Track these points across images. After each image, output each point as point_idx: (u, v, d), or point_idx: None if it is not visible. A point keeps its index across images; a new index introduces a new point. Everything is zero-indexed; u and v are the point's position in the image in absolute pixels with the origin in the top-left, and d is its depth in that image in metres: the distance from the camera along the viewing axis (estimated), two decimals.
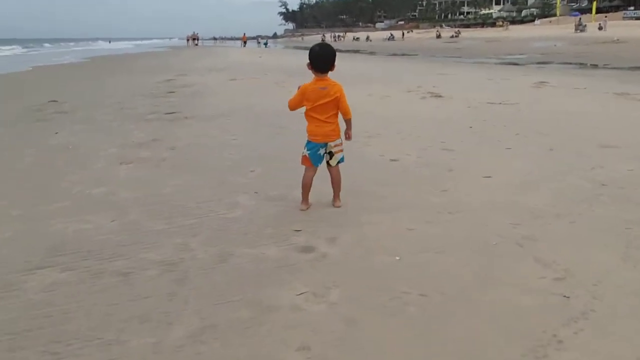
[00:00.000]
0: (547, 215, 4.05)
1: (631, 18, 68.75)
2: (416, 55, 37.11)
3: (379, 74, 17.60)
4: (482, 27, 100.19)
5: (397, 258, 3.38)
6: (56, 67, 26.18)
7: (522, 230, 3.76)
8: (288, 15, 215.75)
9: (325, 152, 4.28)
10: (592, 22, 61.17)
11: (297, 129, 7.82)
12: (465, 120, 8.18)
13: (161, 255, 3.55)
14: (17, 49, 55.00)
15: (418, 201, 4.47)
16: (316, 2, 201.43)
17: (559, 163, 5.56)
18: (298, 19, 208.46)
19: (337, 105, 4.17)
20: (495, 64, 25.52)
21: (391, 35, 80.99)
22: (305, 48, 55.71)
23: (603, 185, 4.74)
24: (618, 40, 39.74)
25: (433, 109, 9.55)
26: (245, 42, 66.58)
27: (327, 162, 4.33)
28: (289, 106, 4.26)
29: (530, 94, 11.52)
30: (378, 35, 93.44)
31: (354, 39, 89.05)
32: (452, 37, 69.22)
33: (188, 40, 73.32)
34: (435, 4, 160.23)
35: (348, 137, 4.42)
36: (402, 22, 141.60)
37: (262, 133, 7.71)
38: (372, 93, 11.83)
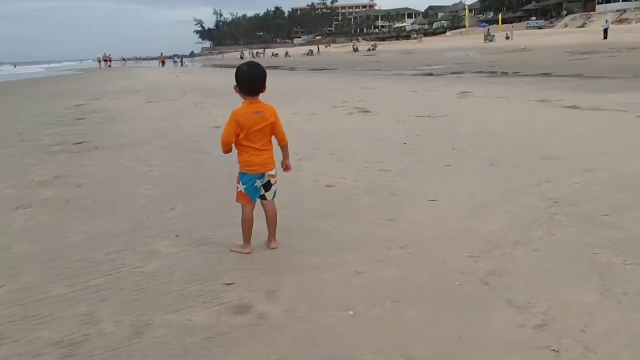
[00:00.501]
0: (506, 243, 3.66)
1: (534, 28, 73.19)
2: (337, 69, 37.22)
3: (302, 91, 17.22)
4: (397, 39, 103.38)
5: (351, 313, 2.85)
6: None
7: (484, 264, 3.34)
8: (205, 34, 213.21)
9: (262, 184, 3.71)
10: (499, 32, 64.46)
11: (219, 155, 7.16)
12: (398, 136, 7.85)
13: (60, 333, 2.83)
14: None
15: (364, 235, 3.97)
16: (233, 20, 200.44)
17: (504, 180, 5.26)
18: (215, 37, 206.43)
19: (272, 130, 3.65)
20: (415, 75, 25.88)
21: (310, 50, 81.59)
22: (225, 66, 54.90)
23: (555, 202, 4.45)
24: (525, 48, 41.90)
25: (363, 125, 9.19)
26: (163, 62, 64.83)
27: (262, 196, 3.76)
28: (223, 143, 3.58)
29: (457, 105, 11.47)
30: (297, 50, 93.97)
31: (273, 55, 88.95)
32: (369, 50, 70.80)
33: (100, 62, 70.32)
34: (351, 18, 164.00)
35: (286, 168, 3.87)
36: (319, 37, 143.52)
37: (182, 162, 7.00)
38: (298, 111, 11.36)
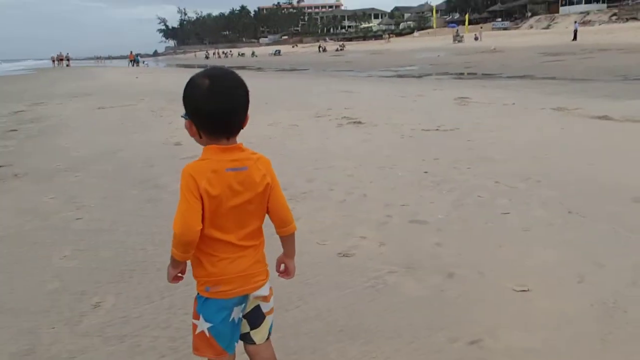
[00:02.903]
0: None
1: (499, 29, 72.86)
2: (307, 70, 35.38)
3: (276, 95, 15.29)
4: (364, 39, 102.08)
5: None
6: None
7: None
8: (168, 32, 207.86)
9: (243, 315, 1.87)
10: (466, 32, 63.71)
11: (176, 190, 5.31)
12: (411, 160, 6.09)
13: None
14: None
15: None
16: (197, 18, 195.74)
17: (612, 242, 3.55)
18: (179, 36, 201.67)
19: (263, 205, 1.82)
20: (390, 76, 24.28)
21: (277, 50, 79.62)
22: (189, 66, 52.16)
23: None
24: (495, 49, 40.96)
25: (360, 142, 7.39)
26: (133, 61, 60.21)
27: (246, 336, 1.92)
28: (180, 237, 1.72)
29: (461, 114, 9.78)
30: (263, 50, 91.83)
31: (239, 54, 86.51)
32: (337, 50, 69.25)
33: (54, 61, 66.51)
34: (317, 18, 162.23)
35: (286, 272, 2.02)
36: (286, 37, 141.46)
37: (126, 202, 5.07)
38: (275, 121, 9.49)
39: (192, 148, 7.75)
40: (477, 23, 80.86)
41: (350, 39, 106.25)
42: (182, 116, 1.77)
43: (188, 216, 1.68)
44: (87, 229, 4.32)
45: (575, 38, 42.87)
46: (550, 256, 3.39)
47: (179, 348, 2.50)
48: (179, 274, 1.87)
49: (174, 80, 26.19)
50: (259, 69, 41.26)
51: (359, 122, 9.06)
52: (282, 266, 2.00)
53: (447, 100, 11.83)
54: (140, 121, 10.89)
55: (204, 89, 1.68)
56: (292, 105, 12.14)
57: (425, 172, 5.51)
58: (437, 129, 8.06)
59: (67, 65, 62.36)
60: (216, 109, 1.69)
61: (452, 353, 2.42)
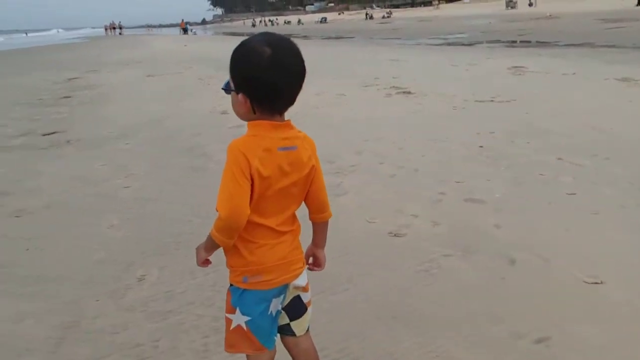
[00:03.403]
0: None
1: None
2: (353, 37, 34.68)
3: (322, 63, 14.98)
4: (412, 6, 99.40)
5: None
6: None
7: None
8: (216, 0, 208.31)
9: (282, 307, 1.73)
10: None
11: (222, 160, 5.22)
12: (465, 133, 5.80)
13: None
14: None
15: None
16: None
17: None
18: (227, 4, 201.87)
19: (307, 187, 1.66)
20: (441, 44, 23.48)
21: (323, 18, 78.54)
22: (237, 34, 52.04)
23: None
24: (550, 15, 38.96)
25: (410, 113, 7.11)
26: (185, 29, 59.81)
27: (285, 327, 1.78)
28: (226, 221, 1.53)
29: (517, 84, 9.31)
30: (309, 18, 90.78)
31: (285, 22, 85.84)
32: (384, 17, 67.70)
33: (107, 29, 67.80)
34: None
35: (317, 263, 1.83)
36: (332, 4, 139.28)
37: (173, 170, 5.03)
38: (322, 91, 9.27)
39: (239, 118, 7.68)
40: None
41: (397, 6, 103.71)
42: (224, 88, 1.59)
43: (237, 198, 1.50)
44: (134, 198, 4.30)
45: (639, 3, 40.29)
46: (624, 243, 3.12)
47: (221, 329, 2.37)
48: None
49: (222, 48, 26.15)
50: (304, 36, 40.80)
51: (408, 92, 8.75)
52: (311, 258, 1.83)
53: (501, 70, 11.29)
54: (187, 89, 10.87)
55: (265, 58, 1.48)
56: (339, 74, 11.87)
57: (481, 147, 5.23)
58: (491, 100, 7.68)
59: (120, 34, 63.38)
60: (279, 80, 1.51)
61: (516, 351, 2.23)
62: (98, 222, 3.75)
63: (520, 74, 10.51)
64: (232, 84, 1.56)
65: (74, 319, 2.53)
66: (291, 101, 1.58)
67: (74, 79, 14.06)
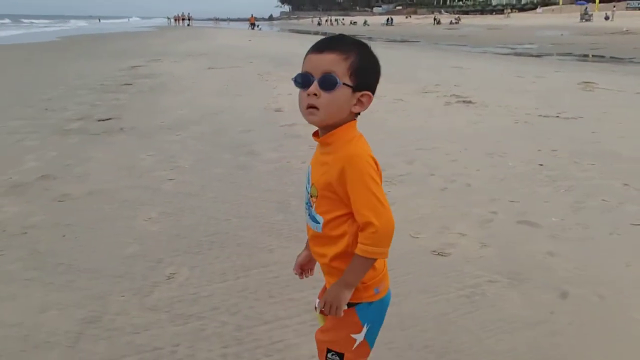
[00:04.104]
0: None
1: (635, 8, 65.74)
2: (418, 42, 34.16)
3: (383, 67, 14.78)
4: (482, 13, 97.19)
5: None
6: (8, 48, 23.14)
7: None
8: None
9: None
10: (595, 11, 58.39)
11: (271, 160, 5.16)
12: (526, 149, 5.48)
13: None
14: None
15: None
16: None
17: None
18: (294, 1, 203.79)
19: None
20: (508, 54, 22.73)
21: (390, 19, 77.85)
22: (303, 32, 52.12)
23: None
24: (627, 30, 37.03)
25: (468, 124, 6.82)
26: (253, 24, 59.63)
27: None
28: (384, 224, 1.41)
29: (586, 100, 8.80)
30: (376, 19, 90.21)
31: (351, 22, 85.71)
32: (451, 23, 66.47)
33: (176, 20, 69.74)
34: None
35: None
36: (399, 7, 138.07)
37: (218, 167, 4.98)
38: (379, 94, 8.95)
39: (293, 116, 7.66)
40: (609, 1, 73.87)
41: (467, 12, 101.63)
42: (328, 82, 1.40)
43: (387, 204, 1.42)
44: (176, 192, 4.26)
45: None
46: None
47: (244, 340, 2.28)
48: None
49: (284, 45, 26.32)
50: (369, 38, 40.54)
51: (469, 102, 8.42)
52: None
53: (570, 84, 10.75)
54: (245, 84, 10.90)
55: (374, 56, 1.50)
56: (399, 78, 11.61)
57: (541, 165, 4.92)
58: (557, 116, 7.27)
59: (188, 25, 64.97)
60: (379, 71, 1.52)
61: None
62: (136, 214, 3.73)
63: (590, 90, 9.96)
64: (350, 82, 1.42)
65: (96, 314, 2.47)
66: None
67: (137, 66, 14.42)
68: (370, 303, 1.52)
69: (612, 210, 3.86)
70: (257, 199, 4.04)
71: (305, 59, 1.46)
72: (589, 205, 3.94)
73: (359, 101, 1.44)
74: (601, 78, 11.98)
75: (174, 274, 2.87)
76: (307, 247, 1.66)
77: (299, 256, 1.70)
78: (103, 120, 7.14)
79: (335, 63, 1.40)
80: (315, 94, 1.40)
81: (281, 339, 2.30)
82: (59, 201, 4.03)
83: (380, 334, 2.31)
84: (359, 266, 1.44)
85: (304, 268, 1.70)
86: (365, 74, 1.44)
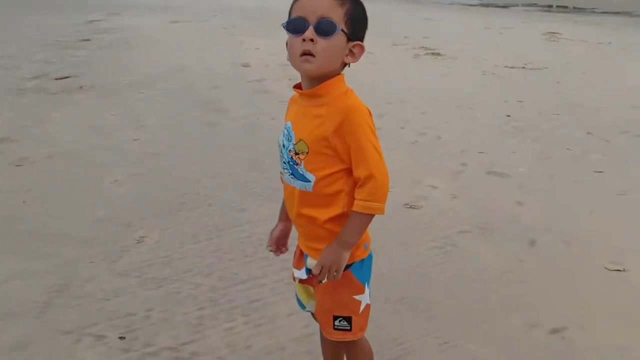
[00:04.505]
0: None
1: None
2: None
3: None
4: None
5: None
6: None
7: None
8: None
9: None
10: None
11: (240, 117, 5.07)
12: (493, 101, 5.52)
13: None
14: None
15: None
16: None
17: None
18: None
19: None
20: (476, 5, 22.54)
21: None
22: None
23: None
24: None
25: (438, 77, 6.80)
26: None
27: None
28: (385, 178, 1.37)
29: (551, 51, 8.85)
30: None
31: None
32: None
33: None
34: None
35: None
36: None
37: (186, 125, 4.87)
38: None
39: (261, 71, 7.50)
40: None
41: None
42: (327, 29, 1.32)
43: (383, 157, 1.38)
44: (143, 152, 4.16)
45: None
46: None
47: (219, 301, 2.28)
48: None
49: None
50: None
51: (438, 54, 8.38)
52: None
53: (535, 35, 10.77)
54: (211, 39, 10.58)
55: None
56: (368, 32, 11.44)
57: (508, 116, 4.96)
58: (523, 67, 7.31)
59: None
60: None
61: (529, 341, 2.08)
62: (101, 176, 3.63)
63: (554, 41, 10.01)
64: (346, 29, 1.34)
65: (64, 282, 2.42)
66: None
67: (95, 21, 13.80)
68: (363, 260, 1.48)
69: (576, 159, 3.94)
70: (228, 158, 3.98)
71: (295, 4, 1.36)
72: (555, 155, 4.01)
73: (351, 52, 1.38)
74: (565, 28, 12.04)
75: (144, 237, 2.82)
76: (283, 218, 1.58)
77: (273, 230, 1.60)
78: (61, 78, 6.84)
79: (332, 9, 1.32)
80: (312, 40, 1.31)
81: (258, 297, 2.30)
82: (17, 165, 3.88)
83: None
84: (359, 224, 1.38)
85: (279, 243, 1.60)
86: (359, 23, 1.38)
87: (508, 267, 2.57)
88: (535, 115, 5.01)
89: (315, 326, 1.64)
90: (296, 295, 1.63)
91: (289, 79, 6.36)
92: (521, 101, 5.47)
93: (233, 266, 2.54)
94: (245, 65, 7.58)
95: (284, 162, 1.44)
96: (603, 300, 2.32)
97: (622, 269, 2.53)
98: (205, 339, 2.06)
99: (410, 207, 3.17)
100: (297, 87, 1.43)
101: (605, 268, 2.54)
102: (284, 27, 1.36)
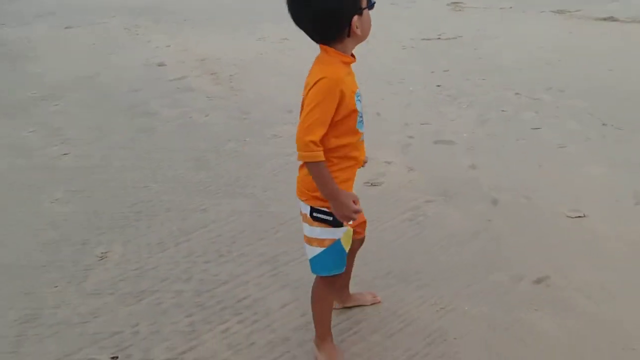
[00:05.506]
0: None
1: None
2: None
3: (259, 8, 14.32)
4: None
5: None
6: None
7: None
8: None
9: None
10: None
11: (172, 117, 4.86)
12: (420, 73, 5.64)
13: None
14: None
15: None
16: None
17: None
18: None
19: None
20: None
21: None
22: None
23: None
24: None
25: (360, 56, 6.75)
26: None
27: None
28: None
29: (460, 21, 9.18)
30: None
31: None
32: None
33: None
34: None
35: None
36: None
37: (115, 132, 4.61)
38: (263, 36, 8.80)
39: (179, 69, 7.24)
40: None
41: None
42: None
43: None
44: (76, 166, 3.89)
45: None
46: (596, 174, 3.11)
47: (206, 304, 2.19)
48: None
49: None
50: None
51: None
52: None
53: (440, 7, 11.12)
54: (114, 41, 10.04)
55: None
56: (278, 17, 11.34)
57: (438, 86, 5.10)
58: (438, 38, 7.53)
59: None
60: None
61: (518, 294, 2.15)
62: (39, 197, 3.36)
63: (459, 10, 10.39)
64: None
65: (32, 311, 2.22)
66: None
67: None
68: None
69: (512, 119, 4.12)
70: (172, 161, 3.81)
71: None
72: (491, 117, 4.17)
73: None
74: None
75: (106, 252, 2.65)
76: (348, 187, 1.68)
77: (353, 195, 1.65)
78: None
79: None
80: None
81: (245, 295, 2.23)
82: None
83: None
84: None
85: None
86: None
87: (479, 227, 2.65)
88: (463, 82, 5.18)
89: None
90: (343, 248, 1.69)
91: (211, 74, 6.21)
92: (447, 70, 5.63)
93: (211, 268, 2.44)
94: (161, 65, 7.27)
95: (362, 123, 1.65)
96: (574, 246, 2.45)
97: (582, 215, 2.68)
98: (204, 344, 1.97)
99: (372, 184, 3.18)
100: (347, 60, 1.66)
101: (568, 216, 2.68)
102: (372, 4, 1.62)
